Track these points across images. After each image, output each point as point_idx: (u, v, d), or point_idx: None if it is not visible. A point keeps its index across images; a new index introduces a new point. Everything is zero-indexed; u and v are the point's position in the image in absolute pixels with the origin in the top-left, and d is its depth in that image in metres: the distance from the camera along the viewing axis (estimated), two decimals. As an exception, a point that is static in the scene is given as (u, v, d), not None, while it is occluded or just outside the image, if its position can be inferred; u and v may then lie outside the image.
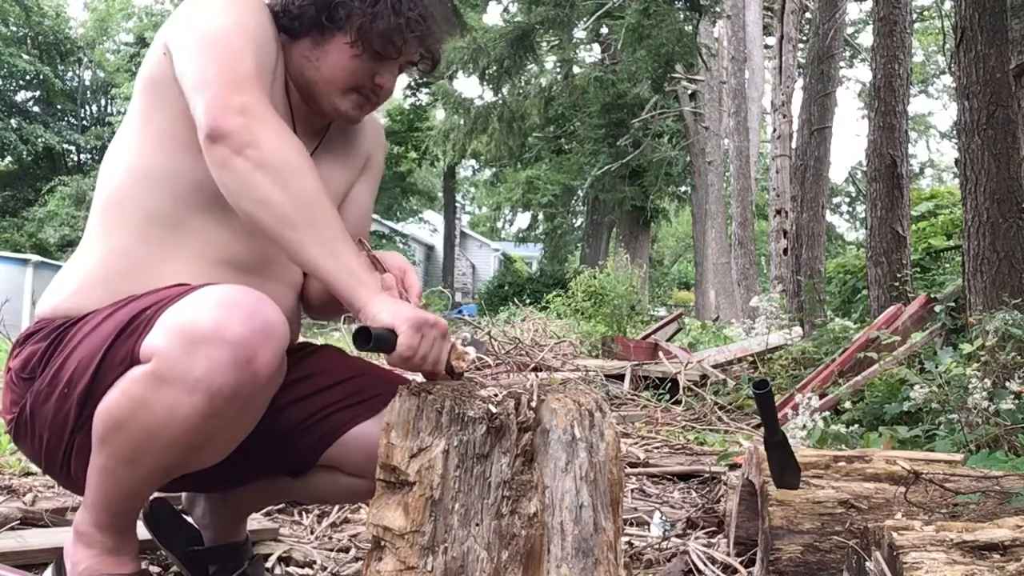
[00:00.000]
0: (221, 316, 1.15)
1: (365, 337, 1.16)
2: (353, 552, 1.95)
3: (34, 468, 2.42)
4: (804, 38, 12.01)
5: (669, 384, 5.47)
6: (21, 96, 29.55)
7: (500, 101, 18.94)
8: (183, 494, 1.68)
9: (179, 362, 1.14)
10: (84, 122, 30.62)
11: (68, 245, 22.41)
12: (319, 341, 2.33)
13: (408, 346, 1.16)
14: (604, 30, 19.86)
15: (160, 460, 1.22)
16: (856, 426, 3.30)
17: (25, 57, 27.25)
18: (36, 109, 29.56)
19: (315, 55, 1.42)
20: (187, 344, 1.14)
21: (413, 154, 28.83)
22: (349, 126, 1.57)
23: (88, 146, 29.54)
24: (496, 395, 1.04)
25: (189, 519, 1.65)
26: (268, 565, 1.79)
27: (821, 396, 3.84)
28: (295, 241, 1.20)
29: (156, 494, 1.50)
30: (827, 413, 3.57)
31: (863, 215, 10.85)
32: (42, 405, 1.28)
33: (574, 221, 29.18)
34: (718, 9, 14.64)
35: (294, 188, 1.19)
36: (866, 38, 21.71)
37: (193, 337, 1.14)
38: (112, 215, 1.37)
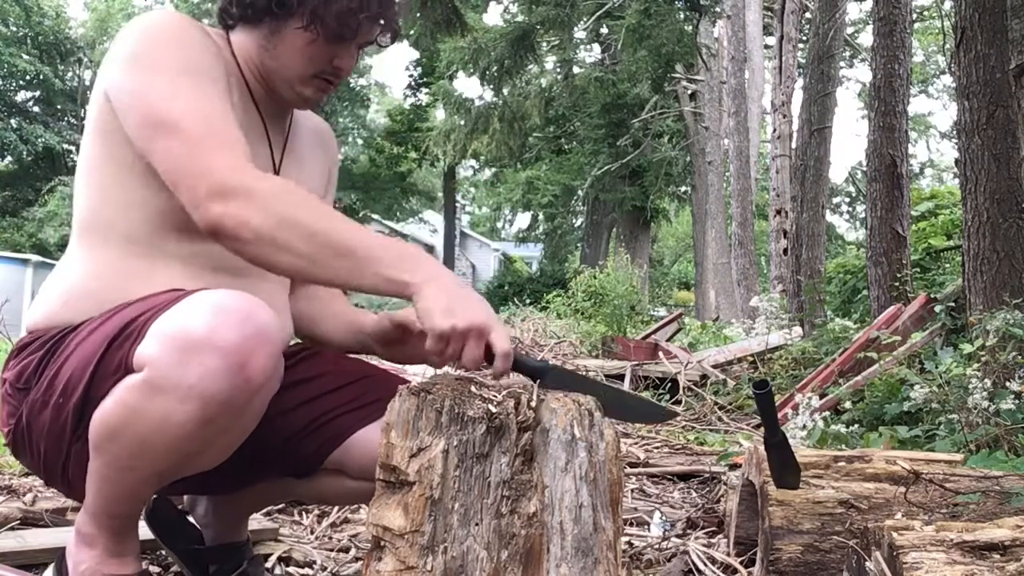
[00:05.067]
0: (214, 322, 1.14)
1: None
2: (353, 552, 1.94)
3: (34, 468, 2.42)
4: (804, 38, 12.01)
5: (669, 384, 5.47)
6: (21, 96, 29.57)
7: (500, 101, 18.95)
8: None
9: (172, 370, 1.13)
10: (84, 122, 30.58)
11: (68, 245, 22.36)
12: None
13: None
14: (604, 30, 19.87)
15: (156, 466, 1.22)
16: (856, 426, 3.30)
17: (25, 57, 27.26)
18: (36, 109, 29.58)
19: (271, 44, 1.39)
20: (180, 352, 1.13)
21: (413, 154, 28.80)
22: (308, 133, 1.56)
23: (88, 146, 29.48)
24: (496, 395, 1.04)
25: (190, 518, 1.65)
26: (268, 565, 1.79)
27: (821, 396, 3.84)
28: (335, 280, 1.21)
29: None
30: (827, 413, 3.57)
31: (863, 215, 10.86)
32: (38, 415, 1.27)
33: (574, 221, 29.17)
34: (718, 9, 14.65)
35: (298, 240, 1.18)
36: (866, 38, 21.71)
37: (186, 344, 1.13)
38: (92, 236, 1.36)
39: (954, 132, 4.84)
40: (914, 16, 10.80)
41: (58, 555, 1.39)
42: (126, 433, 1.18)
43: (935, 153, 35.33)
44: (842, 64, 19.40)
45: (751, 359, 6.03)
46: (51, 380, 1.26)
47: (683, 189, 21.64)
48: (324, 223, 1.19)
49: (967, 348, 3.08)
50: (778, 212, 10.03)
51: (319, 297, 1.60)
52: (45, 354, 1.30)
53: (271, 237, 1.18)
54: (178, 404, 1.14)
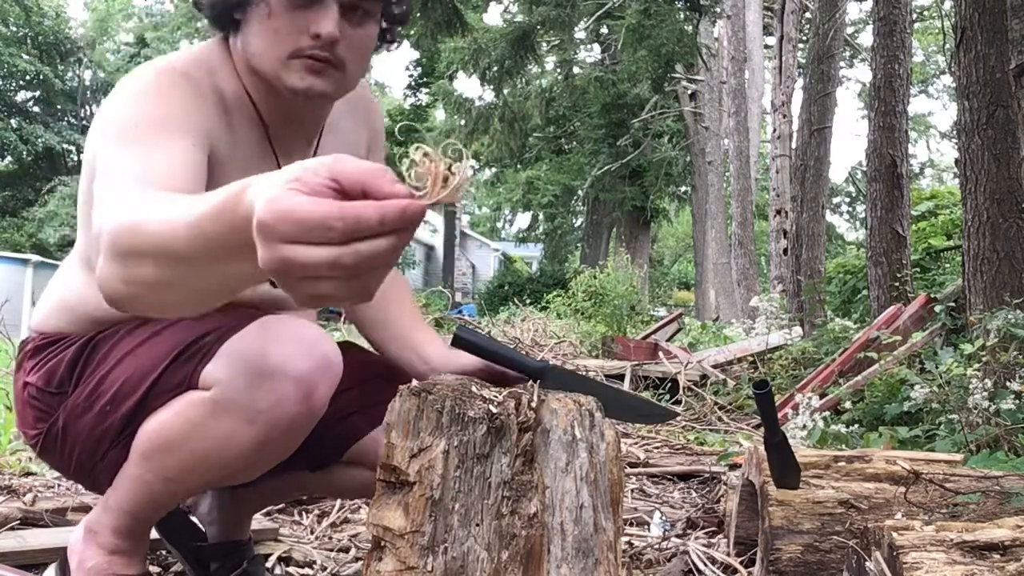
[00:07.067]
0: (286, 350, 1.15)
1: None
2: (353, 552, 1.94)
3: (34, 468, 2.42)
4: (804, 38, 12.01)
5: (669, 384, 5.47)
6: (21, 96, 29.59)
7: (501, 102, 18.95)
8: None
9: (243, 394, 1.14)
10: (84, 122, 30.60)
11: (68, 245, 22.40)
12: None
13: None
14: (604, 30, 19.87)
15: (204, 480, 1.24)
16: (856, 426, 3.30)
17: (25, 57, 27.28)
18: (36, 109, 29.58)
19: (246, 41, 1.26)
20: (252, 376, 1.14)
21: (413, 154, 28.73)
22: (345, 123, 1.45)
23: (88, 146, 29.51)
24: (496, 395, 1.04)
25: (193, 517, 1.65)
26: (268, 565, 1.79)
27: (821, 396, 3.84)
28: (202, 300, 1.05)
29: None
30: (827, 413, 3.57)
31: (863, 215, 10.86)
32: (77, 420, 1.27)
33: (574, 221, 29.17)
34: (718, 9, 14.64)
35: (159, 285, 0.93)
36: (866, 38, 21.71)
37: (259, 371, 1.14)
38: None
39: (954, 132, 4.85)
40: (914, 16, 10.81)
41: (61, 554, 1.39)
42: (185, 447, 1.19)
43: (935, 153, 35.37)
44: (842, 64, 19.39)
45: (751, 359, 6.03)
46: (95, 386, 1.25)
47: (683, 189, 21.64)
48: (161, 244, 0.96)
49: (967, 348, 3.08)
50: (778, 212, 10.03)
51: (385, 300, 1.44)
52: (77, 356, 1.29)
53: (144, 299, 0.95)
54: (245, 426, 1.15)
